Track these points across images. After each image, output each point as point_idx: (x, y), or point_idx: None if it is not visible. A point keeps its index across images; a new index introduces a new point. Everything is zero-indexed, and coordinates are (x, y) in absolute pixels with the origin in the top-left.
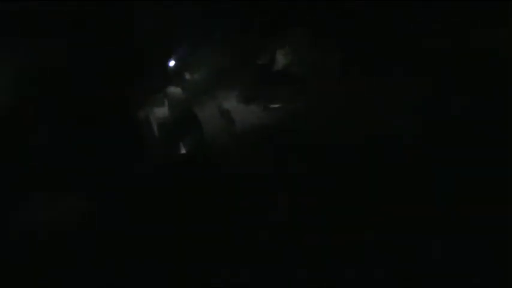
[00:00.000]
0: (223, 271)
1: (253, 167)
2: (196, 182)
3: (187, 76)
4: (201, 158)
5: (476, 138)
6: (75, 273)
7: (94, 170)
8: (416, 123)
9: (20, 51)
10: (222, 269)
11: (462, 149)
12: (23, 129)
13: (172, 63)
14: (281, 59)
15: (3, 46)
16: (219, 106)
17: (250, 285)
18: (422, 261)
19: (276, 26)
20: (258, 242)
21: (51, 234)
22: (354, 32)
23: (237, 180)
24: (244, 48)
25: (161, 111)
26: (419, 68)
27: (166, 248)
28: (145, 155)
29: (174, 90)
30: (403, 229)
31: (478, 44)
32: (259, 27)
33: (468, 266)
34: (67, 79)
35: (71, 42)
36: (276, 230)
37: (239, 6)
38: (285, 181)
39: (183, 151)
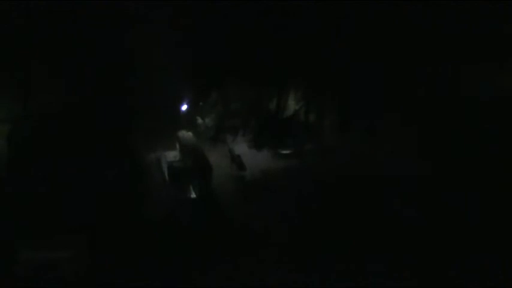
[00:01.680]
0: None
1: (262, 216)
2: (204, 228)
3: (199, 120)
4: (210, 203)
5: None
6: None
7: (100, 211)
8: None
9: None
10: None
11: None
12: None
13: (184, 107)
14: (292, 105)
15: None
16: (230, 151)
17: None
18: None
19: (288, 73)
20: None
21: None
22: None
23: (244, 231)
24: (256, 94)
25: (172, 154)
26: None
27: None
28: (154, 198)
29: (186, 134)
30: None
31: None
32: (271, 74)
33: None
34: (76, 124)
35: (80, 87)
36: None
37: (253, 54)
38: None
39: (193, 195)
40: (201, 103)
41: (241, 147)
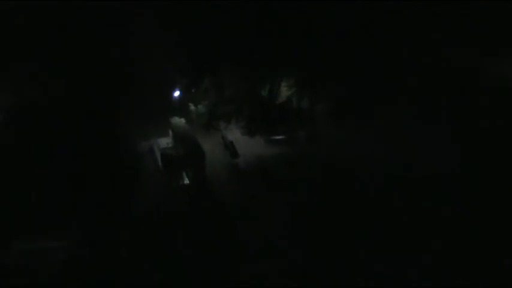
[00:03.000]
0: None
1: (254, 200)
2: (197, 213)
3: (192, 107)
4: (203, 189)
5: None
6: None
7: (93, 201)
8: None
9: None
10: None
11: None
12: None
13: (176, 93)
14: (285, 91)
15: None
16: (223, 137)
17: None
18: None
19: (280, 59)
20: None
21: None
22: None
23: (236, 213)
24: (249, 80)
25: (165, 141)
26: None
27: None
28: (147, 185)
29: (178, 120)
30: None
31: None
32: (263, 59)
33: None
34: (67, 112)
35: (70, 76)
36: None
37: (244, 39)
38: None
39: (186, 181)
40: (193, 90)
41: (234, 134)
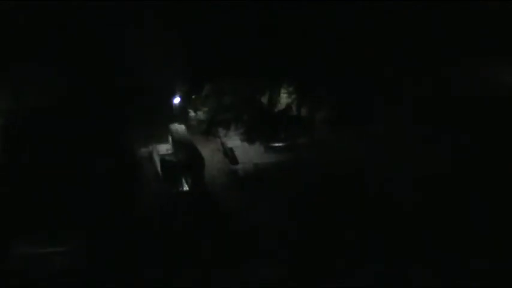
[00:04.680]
0: None
1: (253, 208)
2: (195, 219)
3: (192, 113)
4: (202, 195)
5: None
6: None
7: (94, 205)
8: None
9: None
10: None
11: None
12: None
13: (177, 100)
14: (285, 98)
15: None
16: (223, 144)
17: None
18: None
19: (281, 66)
20: None
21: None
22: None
23: (237, 222)
24: (249, 87)
25: (164, 147)
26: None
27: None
28: (147, 190)
29: (178, 126)
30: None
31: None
32: (263, 67)
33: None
34: (68, 115)
35: (71, 80)
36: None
37: (245, 46)
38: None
39: (185, 187)
40: (193, 96)
41: (234, 141)
